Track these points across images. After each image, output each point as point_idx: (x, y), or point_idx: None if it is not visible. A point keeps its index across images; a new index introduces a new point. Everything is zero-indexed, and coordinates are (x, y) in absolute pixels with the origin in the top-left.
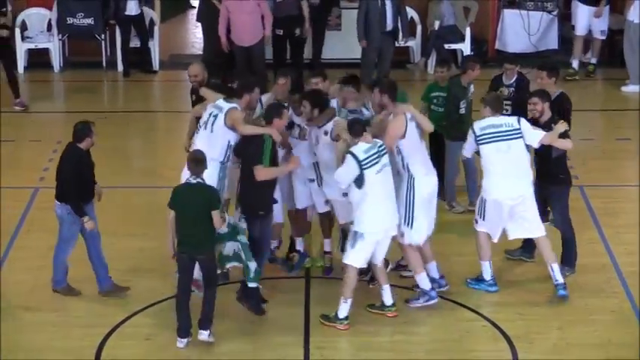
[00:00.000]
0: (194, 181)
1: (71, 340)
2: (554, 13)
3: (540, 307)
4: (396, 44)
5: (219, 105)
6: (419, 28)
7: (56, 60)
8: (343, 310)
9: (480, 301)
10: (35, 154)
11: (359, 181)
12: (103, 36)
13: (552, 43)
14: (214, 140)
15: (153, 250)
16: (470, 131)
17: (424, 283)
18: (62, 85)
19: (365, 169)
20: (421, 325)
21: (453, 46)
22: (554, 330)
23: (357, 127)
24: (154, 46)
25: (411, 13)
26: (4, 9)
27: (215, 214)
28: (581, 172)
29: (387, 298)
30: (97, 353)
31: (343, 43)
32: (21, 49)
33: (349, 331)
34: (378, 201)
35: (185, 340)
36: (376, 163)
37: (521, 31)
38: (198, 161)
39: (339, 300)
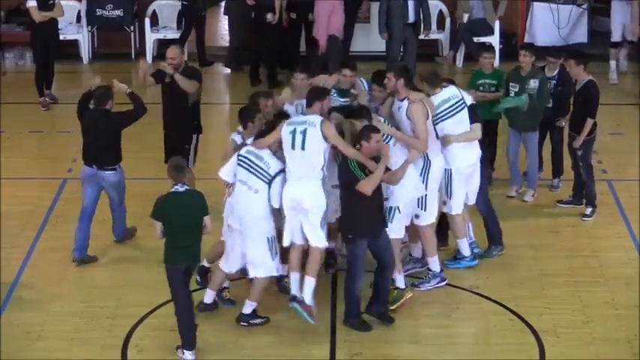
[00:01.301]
0: (182, 189)
1: (97, 331)
2: (584, 6)
3: (567, 301)
4: (421, 37)
5: (305, 120)
6: (448, 20)
7: (85, 51)
8: (400, 281)
9: (506, 295)
10: (64, 146)
11: None
12: (132, 27)
13: (582, 36)
14: (312, 157)
15: None
16: None
17: (436, 265)
18: (90, 77)
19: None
20: (448, 318)
21: (482, 39)
22: (581, 324)
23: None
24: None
25: (439, 5)
26: (52, 1)
27: (207, 219)
28: (609, 166)
29: (401, 283)
30: (123, 344)
31: (372, 36)
32: None
33: (375, 324)
34: (408, 175)
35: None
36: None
37: (550, 25)
38: (180, 168)
39: (395, 275)
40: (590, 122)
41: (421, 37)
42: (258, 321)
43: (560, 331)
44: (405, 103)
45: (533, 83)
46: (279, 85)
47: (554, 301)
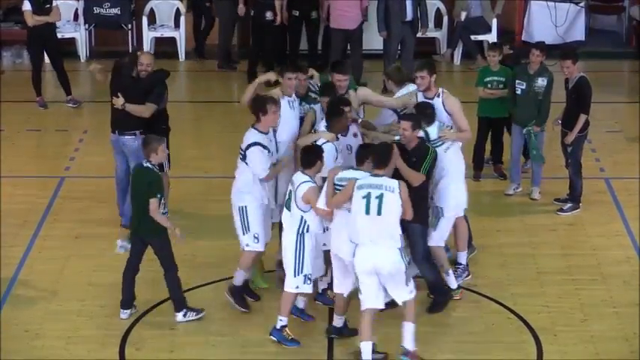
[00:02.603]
0: (145, 165)
1: (96, 330)
2: (582, 4)
3: (565, 300)
4: (419, 35)
5: (381, 184)
6: (445, 19)
7: (82, 50)
8: (452, 281)
9: (504, 294)
10: (62, 144)
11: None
12: (129, 26)
13: (579, 34)
14: (389, 223)
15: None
16: None
17: (464, 259)
18: (88, 75)
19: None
20: (447, 317)
21: (480, 38)
22: (579, 322)
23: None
24: (180, 36)
25: (437, 4)
26: (48, 5)
27: (152, 202)
28: (607, 164)
29: (453, 283)
30: (121, 342)
31: (370, 34)
32: None
33: (375, 323)
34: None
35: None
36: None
37: (547, 23)
38: (145, 144)
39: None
40: (583, 118)
41: (418, 35)
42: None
43: (558, 329)
44: (438, 99)
45: (541, 81)
46: (277, 83)
47: (552, 300)
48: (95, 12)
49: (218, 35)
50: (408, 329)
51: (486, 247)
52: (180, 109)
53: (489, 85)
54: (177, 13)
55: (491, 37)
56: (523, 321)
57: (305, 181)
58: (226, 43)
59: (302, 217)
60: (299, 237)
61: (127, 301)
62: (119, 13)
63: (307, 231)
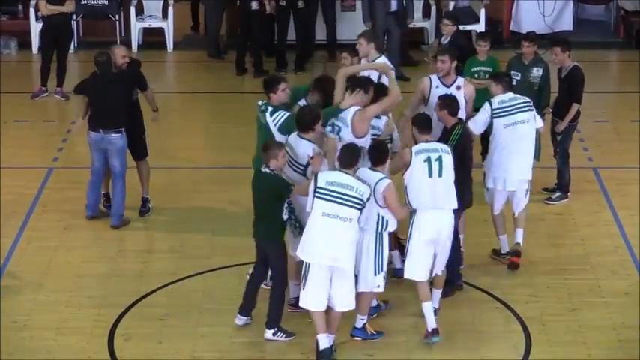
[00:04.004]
0: (264, 170)
1: (84, 321)
2: None
3: (553, 289)
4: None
5: (437, 147)
6: (433, 9)
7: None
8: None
9: (492, 283)
10: (50, 135)
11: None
12: (117, 16)
13: (567, 24)
14: (449, 184)
15: (168, 230)
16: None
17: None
18: (76, 66)
19: (495, 117)
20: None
21: (468, 28)
22: (567, 312)
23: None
24: (168, 26)
25: None
26: None
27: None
28: (595, 153)
29: (505, 246)
30: (110, 333)
31: (357, 24)
32: (35, 29)
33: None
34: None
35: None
36: (506, 115)
37: (535, 13)
38: (264, 149)
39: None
40: (575, 107)
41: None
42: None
43: (546, 318)
44: (456, 85)
45: (536, 72)
46: (265, 73)
47: (540, 289)
48: (83, 2)
49: (205, 25)
50: (437, 295)
51: (474, 237)
52: (168, 100)
53: (476, 75)
54: (165, 4)
55: (480, 27)
56: (511, 310)
57: (382, 178)
58: (214, 32)
59: (379, 214)
60: (378, 236)
61: (245, 308)
62: (107, 3)
63: (386, 229)
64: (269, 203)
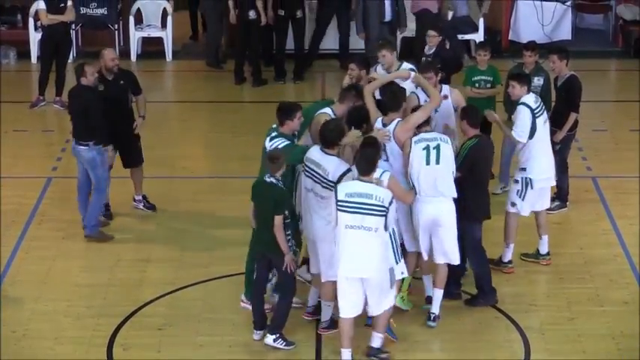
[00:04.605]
0: (267, 180)
1: (83, 330)
2: (568, 3)
3: (552, 299)
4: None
5: (435, 136)
6: None
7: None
8: (544, 246)
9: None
10: (49, 144)
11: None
12: (116, 26)
13: (565, 33)
14: (447, 172)
15: (167, 239)
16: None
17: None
18: (74, 76)
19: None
20: None
21: (467, 37)
22: (566, 321)
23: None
24: (167, 35)
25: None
26: (63, 4)
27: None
28: (594, 163)
29: (544, 248)
30: (109, 343)
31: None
32: (34, 39)
33: (358, 320)
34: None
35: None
36: (543, 114)
37: (534, 22)
38: (271, 159)
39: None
40: (573, 116)
41: (403, 34)
42: (384, 356)
43: (546, 327)
44: (443, 95)
45: (537, 81)
46: (264, 82)
47: (539, 298)
48: (82, 12)
49: (205, 34)
50: (438, 295)
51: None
52: (167, 109)
53: (477, 85)
54: (165, 13)
55: (478, 37)
56: (511, 320)
57: (383, 172)
58: (214, 41)
59: None
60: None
61: (258, 322)
62: (106, 13)
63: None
64: (267, 213)
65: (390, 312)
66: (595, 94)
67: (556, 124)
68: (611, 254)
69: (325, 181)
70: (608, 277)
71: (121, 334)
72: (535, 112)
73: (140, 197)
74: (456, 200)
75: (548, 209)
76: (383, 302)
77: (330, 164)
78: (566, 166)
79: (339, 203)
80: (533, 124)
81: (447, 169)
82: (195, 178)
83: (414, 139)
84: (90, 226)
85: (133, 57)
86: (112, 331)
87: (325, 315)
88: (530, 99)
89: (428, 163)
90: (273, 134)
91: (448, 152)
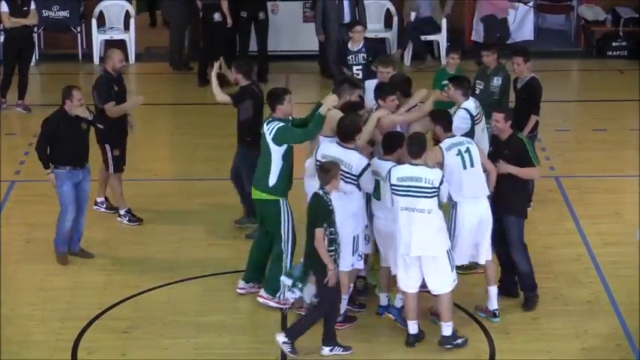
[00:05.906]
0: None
1: (48, 334)
2: (530, 4)
3: (516, 299)
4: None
5: (461, 140)
6: (395, 19)
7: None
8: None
9: (456, 293)
10: (11, 148)
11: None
12: (78, 28)
13: (528, 33)
14: (480, 172)
15: (130, 242)
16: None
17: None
18: (38, 78)
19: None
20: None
21: (430, 38)
22: (530, 321)
23: None
24: (130, 38)
25: (386, 4)
26: (26, 7)
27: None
28: (557, 162)
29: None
30: (74, 347)
31: (307, 34)
32: None
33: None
34: None
35: None
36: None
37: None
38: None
39: None
40: (534, 119)
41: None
42: (460, 341)
43: (511, 327)
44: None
45: (496, 81)
46: (227, 84)
47: (503, 298)
48: (44, 15)
49: (169, 37)
50: (493, 292)
51: None
52: (131, 111)
53: (446, 88)
54: (127, 15)
55: (441, 38)
56: (475, 320)
57: (395, 165)
58: (178, 44)
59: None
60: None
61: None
62: (68, 15)
63: None
64: (313, 226)
65: (450, 301)
66: (558, 94)
67: (517, 125)
68: (574, 254)
69: (349, 175)
70: (571, 277)
71: (85, 338)
72: (475, 118)
73: (124, 212)
74: (495, 198)
75: None
76: (441, 283)
77: (353, 158)
78: None
79: (392, 187)
80: (472, 130)
81: (480, 169)
82: (160, 181)
83: (444, 146)
84: (73, 242)
85: (96, 59)
86: (76, 335)
87: (340, 309)
88: (471, 104)
89: (465, 167)
90: (269, 119)
91: (476, 152)
